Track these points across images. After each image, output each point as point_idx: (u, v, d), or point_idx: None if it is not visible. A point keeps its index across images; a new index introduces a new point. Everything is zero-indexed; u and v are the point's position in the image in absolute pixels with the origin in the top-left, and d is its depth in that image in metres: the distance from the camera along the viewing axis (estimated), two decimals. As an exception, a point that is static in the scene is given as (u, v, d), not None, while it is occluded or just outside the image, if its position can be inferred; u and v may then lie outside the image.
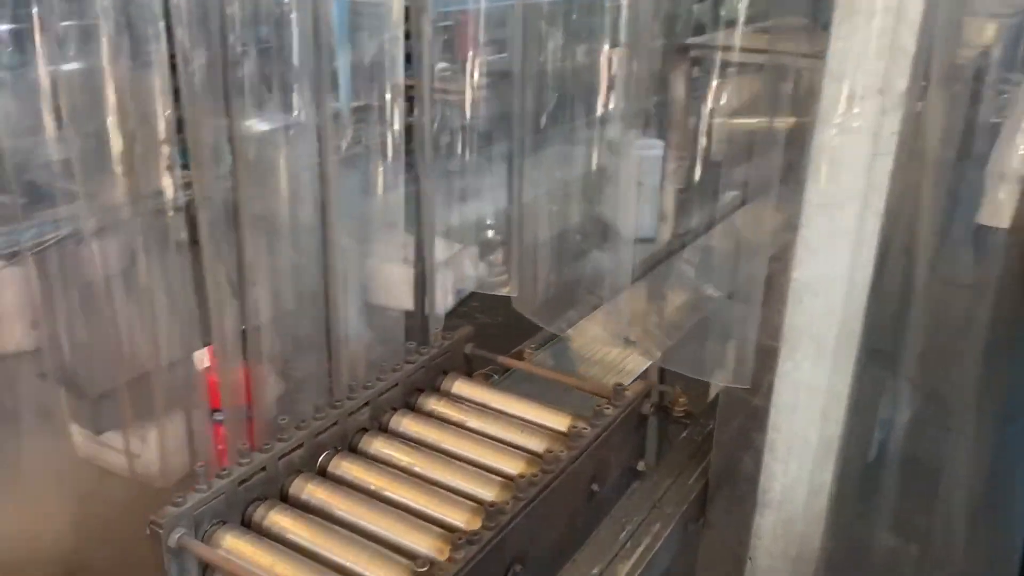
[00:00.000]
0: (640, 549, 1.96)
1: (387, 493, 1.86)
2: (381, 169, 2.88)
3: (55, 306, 3.27)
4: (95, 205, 3.29)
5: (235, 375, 3.57)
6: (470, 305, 4.76)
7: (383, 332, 3.52)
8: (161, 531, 1.61)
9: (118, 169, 3.33)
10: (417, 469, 1.94)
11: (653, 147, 3.01)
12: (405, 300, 3.59)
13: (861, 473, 2.10)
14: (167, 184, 3.13)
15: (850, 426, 1.94)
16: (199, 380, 3.57)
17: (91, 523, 3.41)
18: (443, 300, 3.42)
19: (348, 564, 1.66)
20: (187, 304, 3.33)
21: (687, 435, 2.39)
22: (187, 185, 3.16)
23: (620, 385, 2.05)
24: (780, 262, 1.91)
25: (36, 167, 3.05)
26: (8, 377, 3.30)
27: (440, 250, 3.35)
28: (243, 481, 1.77)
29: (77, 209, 3.17)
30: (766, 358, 1.98)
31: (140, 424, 3.67)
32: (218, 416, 3.61)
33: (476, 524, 1.71)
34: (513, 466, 1.91)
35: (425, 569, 1.43)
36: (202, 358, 3.57)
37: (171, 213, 3.22)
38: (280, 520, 1.76)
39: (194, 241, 3.25)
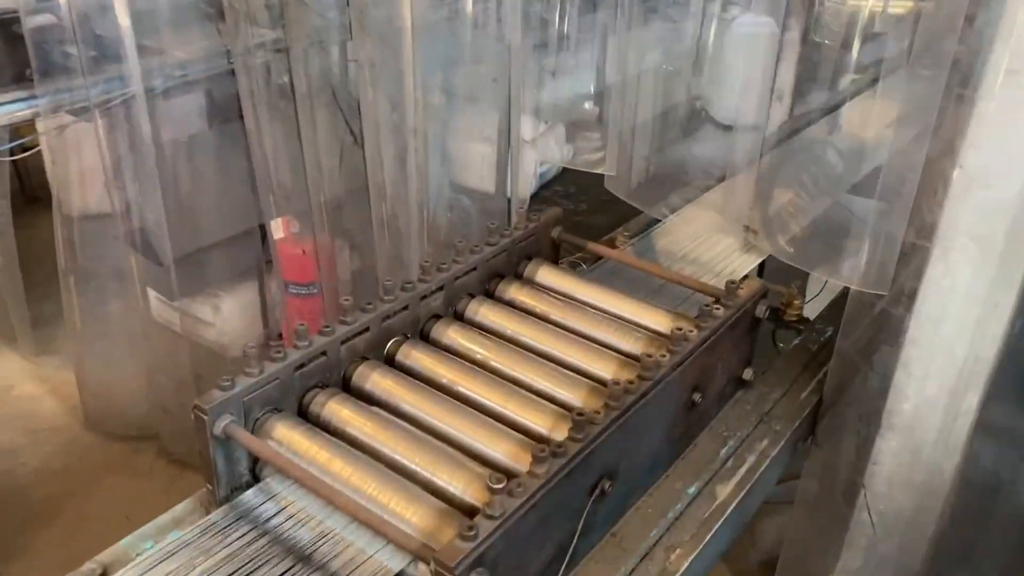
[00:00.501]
0: (743, 469, 1.73)
1: (460, 388, 1.65)
2: (468, 39, 2.60)
3: (127, 169, 3.13)
4: (172, 61, 3.10)
5: (308, 247, 3.42)
6: (552, 189, 4.48)
7: (462, 213, 3.29)
8: (206, 417, 1.43)
9: (204, 24, 3.12)
10: (494, 364, 1.72)
11: (766, 24, 2.62)
12: (487, 181, 3.34)
13: (1018, 402, 1.80)
14: (262, 37, 2.92)
15: (1011, 346, 1.63)
16: (273, 251, 3.44)
17: (164, 388, 3.37)
18: (527, 182, 3.14)
19: (413, 466, 1.47)
20: (264, 172, 3.16)
21: (800, 343, 2.10)
22: (277, 47, 2.95)
23: (733, 282, 1.76)
24: (939, 148, 1.57)
25: (106, 21, 2.85)
26: (92, 238, 3.20)
27: (526, 129, 3.05)
28: (300, 366, 1.57)
29: (152, 64, 2.98)
30: (911, 260, 1.67)
31: (213, 292, 3.58)
32: (292, 290, 3.49)
33: (561, 432, 1.49)
34: (604, 368, 1.67)
35: (502, 485, 1.22)
36: (277, 228, 3.42)
37: (260, 70, 3.02)
38: (339, 411, 1.57)
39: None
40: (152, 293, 3.40)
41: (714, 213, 2.28)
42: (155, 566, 1.35)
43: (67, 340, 3.96)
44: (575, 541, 1.40)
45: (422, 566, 1.32)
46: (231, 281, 3.51)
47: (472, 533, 1.18)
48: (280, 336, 3.65)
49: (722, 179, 2.29)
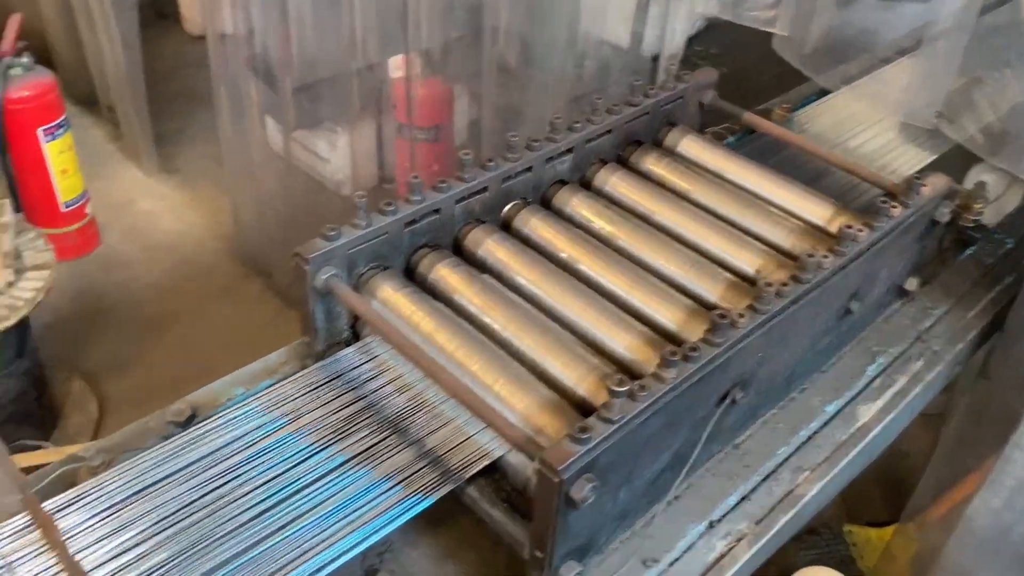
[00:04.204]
0: (892, 391, 1.52)
1: (580, 266, 1.48)
2: None
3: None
4: None
5: (427, 89, 3.24)
6: (692, 49, 4.09)
7: (597, 68, 3.02)
8: (307, 268, 1.31)
9: None
10: (621, 242, 1.53)
11: None
12: (620, 31, 3.04)
13: None
14: None
15: None
16: (392, 90, 3.28)
17: (275, 220, 3.34)
18: (680, 35, 2.82)
19: (523, 347, 1.33)
20: (388, 4, 2.96)
21: (974, 254, 1.82)
22: None
23: (916, 178, 1.50)
24: None
25: None
26: (220, 59, 3.11)
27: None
28: (411, 222, 1.43)
29: None
30: None
31: (331, 127, 3.47)
32: (406, 133, 3.34)
33: (692, 331, 1.31)
34: (748, 261, 1.46)
35: (625, 388, 1.07)
36: (397, 65, 3.25)
37: None
38: (448, 276, 1.43)
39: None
40: (270, 121, 3.32)
41: (889, 92, 1.97)
42: (242, 417, 1.27)
43: (186, 160, 3.96)
44: (695, 453, 1.25)
45: (521, 456, 1.20)
46: (350, 118, 3.39)
47: (585, 436, 1.04)
48: (390, 180, 3.55)
49: (913, 49, 1.95)
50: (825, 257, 1.33)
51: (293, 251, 1.33)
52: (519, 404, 1.24)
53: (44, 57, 3.46)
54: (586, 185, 1.66)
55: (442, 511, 1.26)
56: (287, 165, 3.33)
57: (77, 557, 1.04)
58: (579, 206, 1.59)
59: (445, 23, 3.02)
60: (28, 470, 1.19)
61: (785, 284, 1.28)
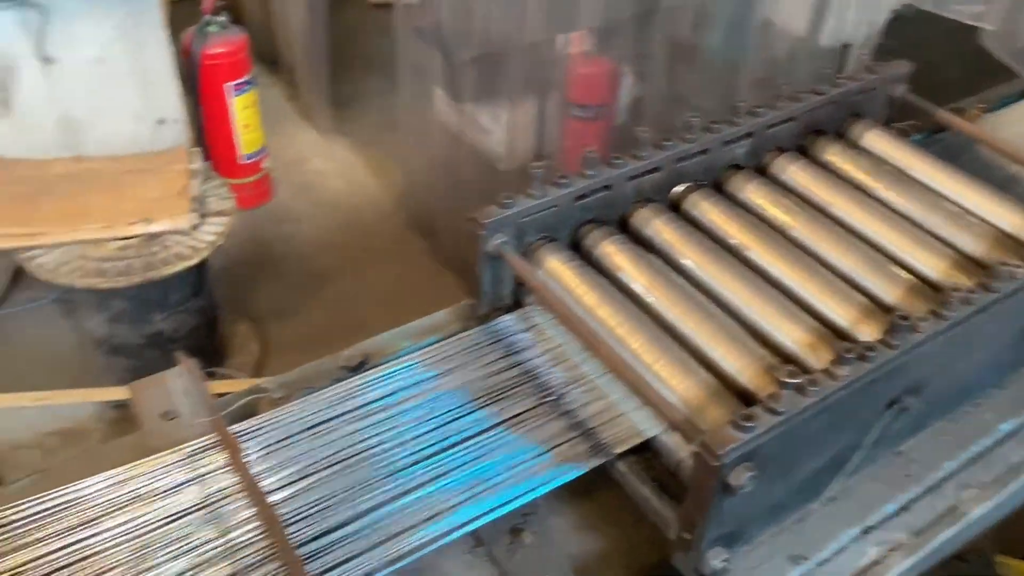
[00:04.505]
0: (1080, 416, 1.42)
1: (750, 254, 1.45)
2: None
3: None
4: None
5: (595, 68, 3.24)
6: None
7: (776, 56, 2.94)
8: (482, 233, 1.35)
9: None
10: (795, 233, 1.49)
11: None
12: (801, 20, 2.94)
13: None
14: None
15: None
16: (560, 67, 3.30)
17: (438, 187, 3.44)
18: (856, 27, 2.70)
19: (686, 330, 1.32)
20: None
21: None
22: None
23: None
24: None
25: None
26: (403, 27, 3.22)
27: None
28: (582, 196, 1.44)
29: None
30: None
31: (495, 100, 3.53)
32: (572, 111, 3.35)
33: (866, 330, 1.27)
34: (931, 265, 1.40)
35: (795, 381, 1.05)
36: (570, 42, 3.26)
37: None
38: (614, 254, 1.44)
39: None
40: (438, 91, 3.41)
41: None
42: (407, 369, 1.33)
43: (359, 123, 4.12)
44: (857, 456, 1.21)
45: (675, 436, 1.20)
46: (514, 92, 3.43)
47: (749, 425, 1.03)
48: (546, 156, 3.57)
49: None
50: (1018, 267, 1.25)
51: (468, 216, 1.37)
52: (678, 386, 1.24)
53: (238, 17, 3.67)
54: (762, 172, 1.63)
55: (587, 482, 1.28)
56: (453, 135, 3.41)
57: (258, 479, 1.12)
58: (754, 193, 1.56)
59: (617, 1, 3.00)
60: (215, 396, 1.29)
61: (972, 291, 1.21)
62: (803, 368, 1.21)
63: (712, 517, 1.08)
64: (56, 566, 1.03)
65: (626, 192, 1.50)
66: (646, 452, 1.27)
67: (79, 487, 1.10)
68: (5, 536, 1.05)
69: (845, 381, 1.09)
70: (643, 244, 1.48)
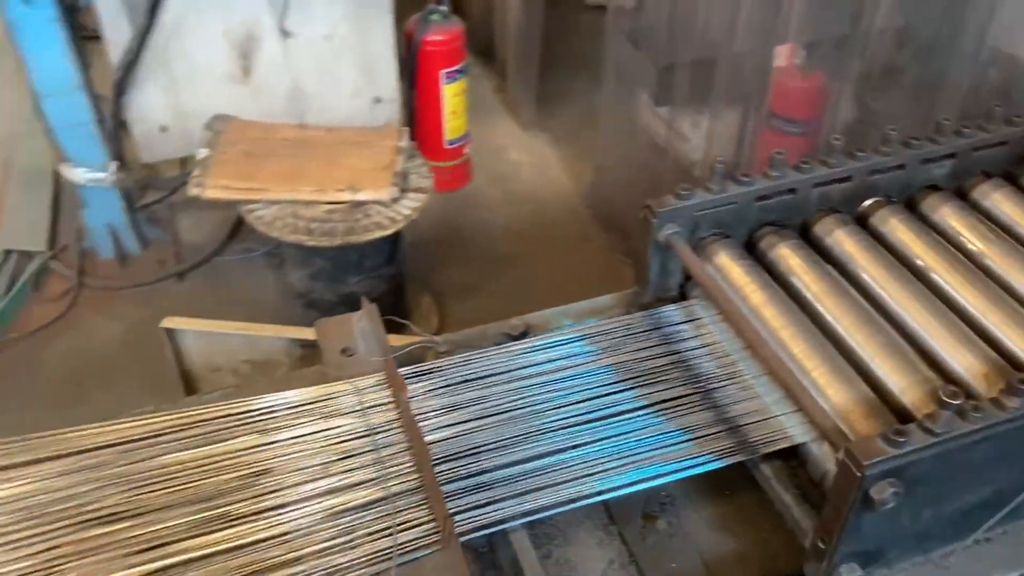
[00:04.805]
0: None
1: (934, 276, 1.39)
2: None
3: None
4: None
5: (805, 83, 3.15)
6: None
7: (1000, 84, 2.74)
8: (654, 220, 1.38)
9: None
10: (987, 261, 1.41)
11: None
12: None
13: None
14: None
15: None
16: (768, 79, 3.23)
17: (627, 186, 3.47)
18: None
19: (852, 343, 1.29)
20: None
21: None
22: None
23: None
24: None
25: None
26: (613, 30, 3.29)
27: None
28: (763, 197, 1.44)
29: None
30: None
31: (697, 107, 3.52)
32: (774, 123, 3.28)
33: (1050, 367, 1.19)
34: None
35: (956, 402, 1.00)
36: (780, 54, 3.19)
37: None
38: (789, 257, 1.42)
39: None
40: (642, 94, 3.44)
41: None
42: (567, 343, 1.39)
43: (559, 120, 4.23)
44: (1021, 498, 1.14)
45: (824, 448, 1.18)
46: (720, 100, 3.40)
47: (900, 440, 1.00)
48: (738, 166, 3.51)
49: None
50: None
51: (643, 203, 1.40)
52: (835, 396, 1.22)
53: (460, 9, 3.87)
54: (962, 195, 1.55)
55: (727, 480, 1.28)
56: (651, 138, 3.43)
57: (416, 419, 1.22)
58: (950, 215, 1.49)
59: (832, 18, 2.91)
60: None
61: None
62: (970, 395, 1.16)
63: (849, 529, 1.06)
64: (232, 461, 1.17)
65: (811, 199, 1.48)
66: (792, 460, 1.25)
67: (262, 399, 1.24)
68: (199, 432, 1.21)
69: (1014, 414, 1.04)
70: (822, 253, 1.46)
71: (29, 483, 1.13)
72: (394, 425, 1.22)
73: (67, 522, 1.09)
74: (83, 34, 2.88)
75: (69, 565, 1.05)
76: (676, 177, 3.43)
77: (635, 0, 3.31)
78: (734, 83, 3.34)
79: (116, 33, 2.61)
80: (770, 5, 2.99)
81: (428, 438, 1.20)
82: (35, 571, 1.05)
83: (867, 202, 1.51)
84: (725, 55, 3.21)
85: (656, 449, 1.24)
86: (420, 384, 1.28)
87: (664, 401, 1.30)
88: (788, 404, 1.24)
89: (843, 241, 1.44)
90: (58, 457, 1.16)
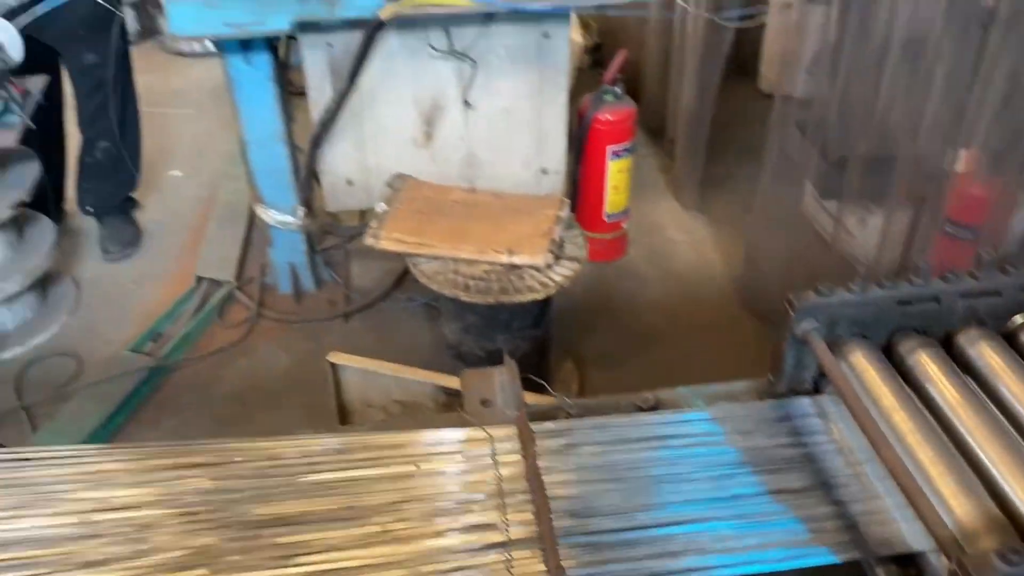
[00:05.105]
0: None
1: (1084, 401, 1.35)
2: None
3: (838, 57, 3.12)
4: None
5: (983, 189, 3.06)
6: None
7: None
8: (792, 314, 1.43)
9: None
10: None
11: None
12: None
13: None
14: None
15: None
16: (946, 182, 3.16)
17: (783, 277, 3.46)
18: None
19: (983, 456, 1.27)
20: (959, 92, 2.87)
21: None
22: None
23: None
24: None
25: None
26: (779, 118, 3.34)
27: None
28: (905, 302, 1.46)
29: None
30: None
31: (866, 204, 3.47)
32: (947, 228, 3.19)
33: None
34: None
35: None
36: (961, 159, 3.12)
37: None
38: (928, 364, 1.43)
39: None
40: (808, 186, 3.44)
41: None
42: (696, 421, 1.44)
43: (720, 203, 4.28)
44: None
45: (943, 559, 1.17)
46: (892, 199, 3.35)
47: (1016, 558, 1.00)
48: (906, 269, 3.42)
49: None
50: None
51: (786, 296, 1.45)
52: (958, 508, 1.21)
53: (633, 88, 4.02)
54: None
55: (841, 581, 1.29)
56: (814, 231, 3.42)
57: (542, 473, 1.31)
58: (1110, 341, 1.45)
59: (1019, 125, 2.83)
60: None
61: None
62: (1106, 526, 1.13)
63: (958, 642, 1.05)
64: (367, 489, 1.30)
65: (956, 309, 1.47)
66: (911, 567, 1.25)
67: (406, 435, 1.37)
68: (346, 459, 1.35)
69: None
70: (962, 364, 1.45)
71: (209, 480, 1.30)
72: (520, 475, 1.32)
73: (232, 519, 1.25)
74: (291, 90, 3.24)
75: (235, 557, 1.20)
76: (838, 272, 3.38)
77: (809, 92, 3.34)
78: (908, 183, 3.29)
79: (319, 94, 2.92)
80: (955, 107, 2.94)
81: (551, 492, 1.29)
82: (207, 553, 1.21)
83: (1017, 318, 1.49)
84: (903, 155, 3.18)
85: (774, 535, 1.26)
86: (550, 442, 1.37)
87: (785, 490, 1.33)
88: (910, 510, 1.24)
89: (986, 355, 1.43)
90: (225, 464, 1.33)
